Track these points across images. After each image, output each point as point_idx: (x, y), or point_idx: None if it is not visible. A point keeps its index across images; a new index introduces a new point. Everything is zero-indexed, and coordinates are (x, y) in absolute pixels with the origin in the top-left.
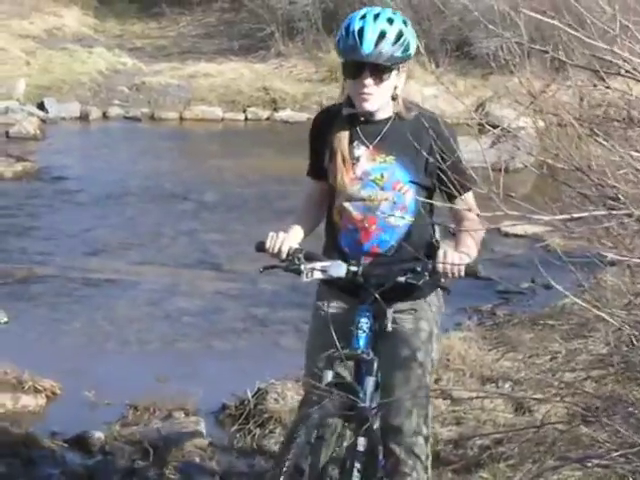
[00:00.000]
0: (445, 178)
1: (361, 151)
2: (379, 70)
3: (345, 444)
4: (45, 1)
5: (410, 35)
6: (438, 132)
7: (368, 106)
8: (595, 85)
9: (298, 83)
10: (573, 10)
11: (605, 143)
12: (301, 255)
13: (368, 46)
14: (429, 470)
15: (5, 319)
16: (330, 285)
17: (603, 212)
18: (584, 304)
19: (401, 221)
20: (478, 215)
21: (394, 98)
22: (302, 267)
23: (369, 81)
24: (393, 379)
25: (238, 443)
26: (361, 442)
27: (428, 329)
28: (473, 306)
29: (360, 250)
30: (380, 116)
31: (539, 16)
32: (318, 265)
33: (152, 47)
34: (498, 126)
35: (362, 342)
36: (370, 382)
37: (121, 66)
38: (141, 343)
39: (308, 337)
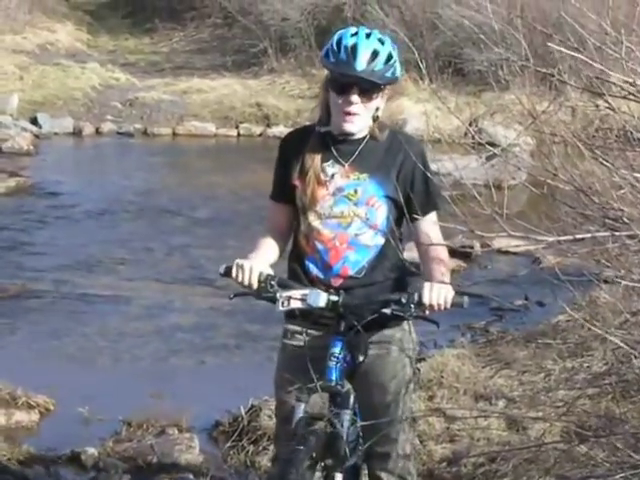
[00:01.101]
0: (414, 195)
1: (335, 169)
2: (368, 89)
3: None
4: (38, 16)
5: (398, 59)
6: (411, 150)
7: (351, 127)
8: (597, 106)
9: (291, 99)
10: (569, 27)
11: (606, 163)
12: (274, 282)
13: (361, 63)
14: None
15: None
16: (301, 313)
17: (606, 233)
18: (583, 322)
19: (372, 241)
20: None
21: (374, 120)
22: (277, 295)
23: (356, 98)
24: (375, 408)
25: (231, 459)
26: (339, 478)
27: (405, 354)
28: (466, 323)
29: (330, 272)
30: (357, 136)
31: (544, 40)
32: (296, 293)
33: (145, 63)
34: (493, 143)
35: (336, 374)
36: (346, 416)
37: (114, 81)
38: (134, 359)
39: (277, 367)
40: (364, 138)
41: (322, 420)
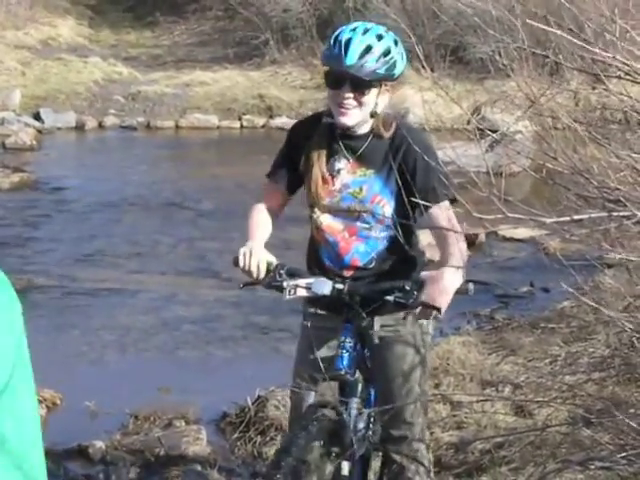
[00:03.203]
0: (418, 188)
1: (342, 164)
2: (360, 84)
3: (329, 467)
4: (40, 12)
5: (398, 56)
6: (417, 145)
7: (345, 120)
8: (594, 88)
9: (293, 90)
10: (569, 13)
11: (606, 145)
12: (283, 271)
13: (351, 58)
14: (432, 474)
15: None
16: (314, 303)
17: (603, 214)
18: (588, 306)
19: (381, 234)
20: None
21: (372, 116)
22: (285, 284)
23: (349, 94)
24: (390, 391)
25: (239, 451)
26: (345, 466)
27: (418, 336)
28: (472, 310)
29: (341, 263)
30: (360, 131)
31: (542, 25)
32: (302, 282)
33: (147, 56)
34: (495, 131)
35: (345, 362)
36: (354, 404)
37: (116, 75)
38: (141, 352)
39: (295, 355)
40: (368, 135)
41: (328, 408)
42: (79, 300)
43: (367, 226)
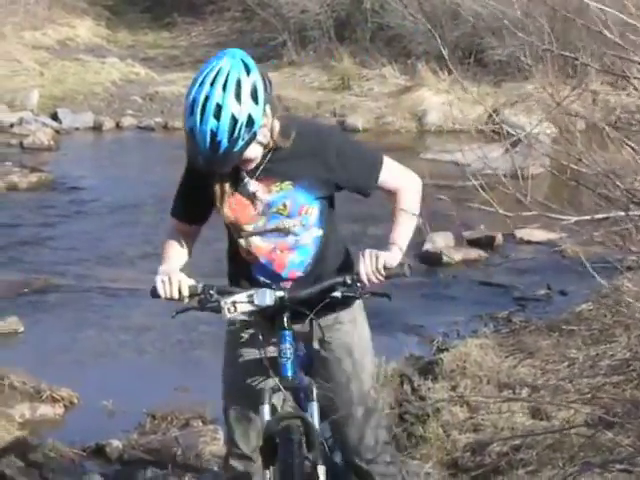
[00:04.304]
0: (354, 176)
1: (254, 186)
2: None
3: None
4: (58, 12)
5: (249, 103)
6: (326, 141)
7: (251, 167)
8: (624, 88)
9: (311, 91)
10: (587, 15)
11: (634, 147)
12: (213, 291)
13: (205, 155)
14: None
15: (21, 329)
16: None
17: (624, 213)
18: (608, 309)
19: (310, 237)
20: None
21: (266, 146)
22: (222, 303)
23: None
24: (336, 396)
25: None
26: (321, 470)
27: (357, 337)
28: (489, 313)
29: (278, 278)
30: None
31: (568, 27)
32: (240, 297)
33: (164, 57)
34: (514, 133)
35: (290, 370)
36: (314, 407)
37: (134, 76)
38: (157, 352)
39: (223, 367)
40: (268, 151)
41: (293, 418)
42: (96, 300)
43: (298, 237)
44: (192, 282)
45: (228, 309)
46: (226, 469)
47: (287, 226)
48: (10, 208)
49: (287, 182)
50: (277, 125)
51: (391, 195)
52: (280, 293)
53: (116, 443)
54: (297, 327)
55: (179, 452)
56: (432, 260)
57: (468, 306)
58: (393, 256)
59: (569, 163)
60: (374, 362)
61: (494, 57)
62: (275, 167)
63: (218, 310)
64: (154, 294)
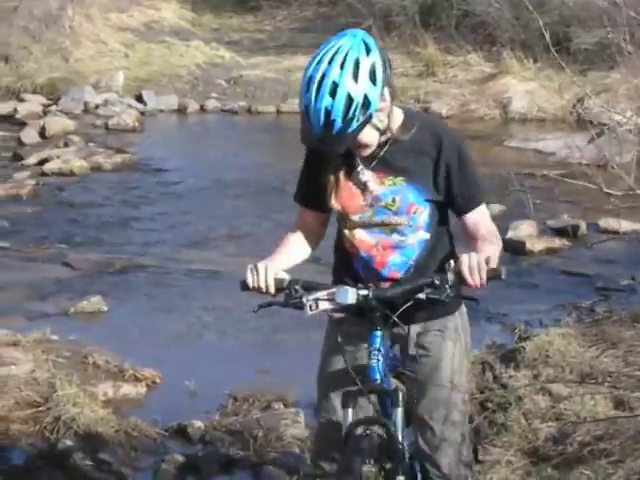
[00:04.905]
0: (454, 192)
1: (367, 176)
2: (349, 142)
3: None
4: None
5: (366, 84)
6: (446, 145)
7: (365, 153)
8: None
9: (395, 78)
10: None
11: None
12: (298, 286)
13: (319, 134)
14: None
15: (105, 308)
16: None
17: None
18: None
19: (416, 238)
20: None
21: (383, 132)
22: (304, 299)
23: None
24: (425, 407)
25: None
26: None
27: (456, 349)
28: (572, 302)
29: (379, 277)
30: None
31: None
32: (323, 294)
33: (249, 41)
34: (598, 123)
35: (379, 373)
36: (398, 414)
37: (219, 59)
38: (240, 334)
39: (320, 363)
40: (386, 141)
41: (373, 424)
42: (179, 281)
43: (402, 238)
44: (283, 275)
45: (310, 306)
46: (315, 467)
47: (393, 222)
48: (94, 189)
49: (400, 177)
50: (400, 115)
51: (470, 240)
52: (364, 292)
53: (198, 424)
54: (396, 329)
55: (260, 434)
56: (515, 248)
57: (551, 295)
58: (493, 257)
59: None
60: (468, 378)
61: (580, 46)
62: (392, 160)
63: (301, 307)
64: (243, 286)
